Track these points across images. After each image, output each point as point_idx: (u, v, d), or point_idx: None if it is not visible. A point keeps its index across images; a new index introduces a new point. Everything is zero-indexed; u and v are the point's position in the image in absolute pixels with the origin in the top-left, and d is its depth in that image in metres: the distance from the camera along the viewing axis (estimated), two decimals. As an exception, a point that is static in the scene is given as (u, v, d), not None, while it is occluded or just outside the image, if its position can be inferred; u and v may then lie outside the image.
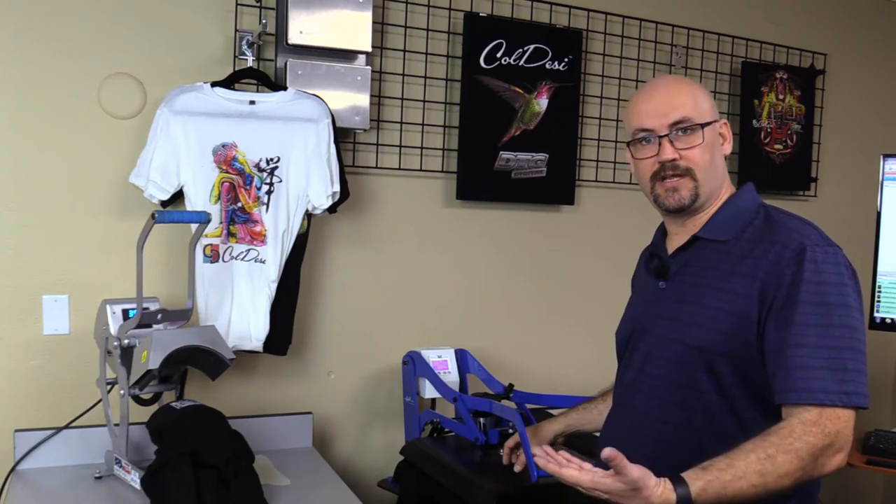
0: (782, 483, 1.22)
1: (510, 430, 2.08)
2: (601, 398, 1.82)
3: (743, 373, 1.35)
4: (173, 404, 1.85)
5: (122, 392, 1.84)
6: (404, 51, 2.43)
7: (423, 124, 2.48)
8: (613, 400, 1.59)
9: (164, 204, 2.07)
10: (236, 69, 2.17)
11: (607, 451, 1.20)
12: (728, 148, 1.48)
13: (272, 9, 2.22)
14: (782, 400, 1.29)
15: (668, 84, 1.50)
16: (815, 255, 1.31)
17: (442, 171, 2.52)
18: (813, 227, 1.39)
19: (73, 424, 2.02)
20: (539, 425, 1.89)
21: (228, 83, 2.12)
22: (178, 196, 2.08)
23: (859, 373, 1.29)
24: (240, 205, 2.11)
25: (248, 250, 2.12)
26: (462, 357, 2.35)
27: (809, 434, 1.24)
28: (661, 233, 1.58)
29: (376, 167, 2.42)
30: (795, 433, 1.24)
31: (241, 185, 2.10)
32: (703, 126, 1.43)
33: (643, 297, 1.57)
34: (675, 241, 1.51)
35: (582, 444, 2.18)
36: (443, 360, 2.32)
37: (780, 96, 3.05)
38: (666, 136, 1.43)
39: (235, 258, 2.11)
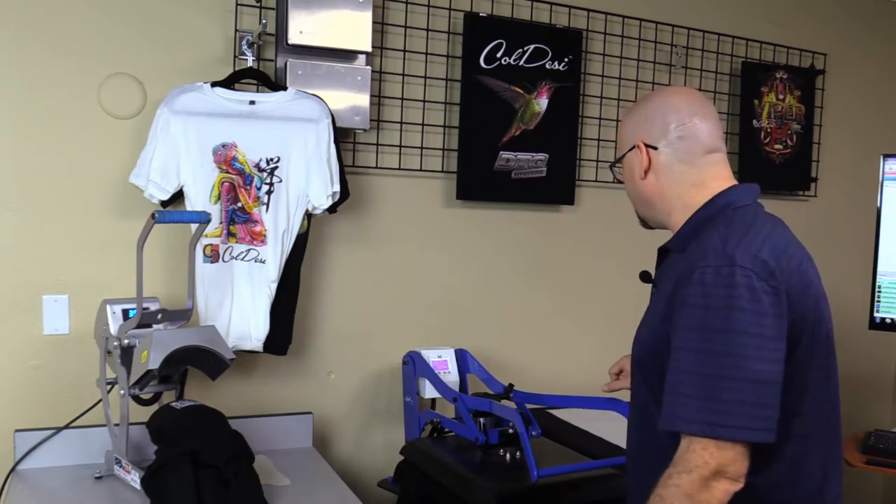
0: None
1: (510, 431, 2.09)
2: None
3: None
4: (173, 404, 1.85)
5: (122, 392, 1.84)
6: (404, 51, 2.43)
7: (423, 124, 2.48)
8: None
9: (164, 204, 2.07)
10: (236, 69, 2.17)
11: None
12: (640, 173, 1.43)
13: (272, 9, 2.22)
14: (660, 426, 1.24)
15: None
16: (703, 276, 1.22)
17: (442, 171, 2.52)
18: (725, 241, 1.26)
19: (73, 424, 2.02)
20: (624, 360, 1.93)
21: (228, 83, 2.12)
22: (178, 196, 2.08)
23: (739, 404, 1.16)
24: (240, 205, 2.11)
25: (248, 250, 2.12)
26: (462, 357, 2.36)
27: (674, 476, 1.20)
28: None
29: (376, 167, 2.42)
30: (662, 483, 1.21)
31: (241, 185, 2.10)
32: (613, 164, 1.53)
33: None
34: None
35: (580, 443, 2.19)
36: (443, 360, 2.32)
37: (780, 96, 3.06)
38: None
39: (235, 258, 2.11)
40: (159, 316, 1.89)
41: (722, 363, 1.18)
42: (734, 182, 1.41)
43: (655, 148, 1.41)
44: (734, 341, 1.18)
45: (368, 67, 2.27)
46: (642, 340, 1.39)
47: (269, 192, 2.13)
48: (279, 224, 2.13)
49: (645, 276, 1.54)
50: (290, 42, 2.13)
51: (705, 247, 1.28)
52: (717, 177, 1.40)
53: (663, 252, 1.46)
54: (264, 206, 2.12)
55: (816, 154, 3.19)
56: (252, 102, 2.11)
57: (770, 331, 1.20)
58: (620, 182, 1.54)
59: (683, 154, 1.40)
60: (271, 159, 2.13)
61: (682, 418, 1.20)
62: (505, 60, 2.52)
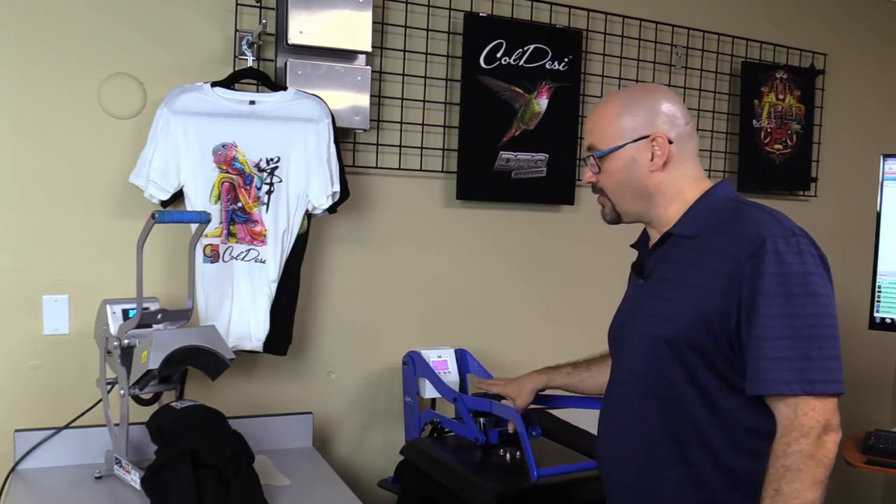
0: (808, 496, 1.25)
1: (510, 430, 2.08)
2: (586, 366, 1.90)
3: (712, 364, 1.36)
4: (173, 404, 1.85)
5: (122, 392, 1.84)
6: (404, 51, 2.43)
7: (423, 124, 2.48)
8: (605, 397, 1.62)
9: (164, 204, 2.07)
10: (236, 69, 2.17)
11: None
12: (657, 163, 1.46)
13: (272, 9, 2.22)
14: (751, 391, 1.31)
15: (596, 106, 1.55)
16: (776, 245, 1.31)
17: (442, 171, 2.52)
18: (777, 217, 1.38)
19: (73, 424, 2.02)
20: (520, 380, 1.98)
21: (228, 83, 2.12)
22: (178, 196, 2.08)
23: (827, 359, 1.28)
24: (240, 205, 2.11)
25: (248, 250, 2.12)
26: (462, 357, 2.35)
27: (793, 444, 1.27)
28: (645, 231, 1.61)
29: (376, 167, 2.42)
30: (782, 454, 1.27)
31: (241, 185, 2.10)
32: (600, 155, 1.49)
33: (626, 295, 1.62)
34: (653, 239, 1.55)
35: (580, 443, 2.18)
36: (443, 360, 2.32)
37: (780, 96, 3.06)
38: (584, 159, 1.55)
39: (235, 258, 2.11)
40: (159, 316, 1.88)
41: (810, 323, 1.28)
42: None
43: (671, 142, 1.46)
44: (816, 302, 1.29)
45: (368, 67, 2.27)
46: (677, 319, 1.39)
47: (269, 192, 2.12)
48: (279, 224, 2.13)
49: (638, 268, 1.55)
50: (290, 42, 2.13)
51: (759, 223, 1.35)
52: (704, 174, 1.54)
53: (665, 237, 1.48)
54: (264, 206, 2.12)
55: (816, 154, 3.19)
56: (252, 102, 2.11)
57: (830, 291, 1.34)
58: (594, 172, 1.51)
59: (691, 150, 1.50)
60: (271, 159, 2.12)
61: (781, 381, 1.27)
62: (505, 60, 2.52)
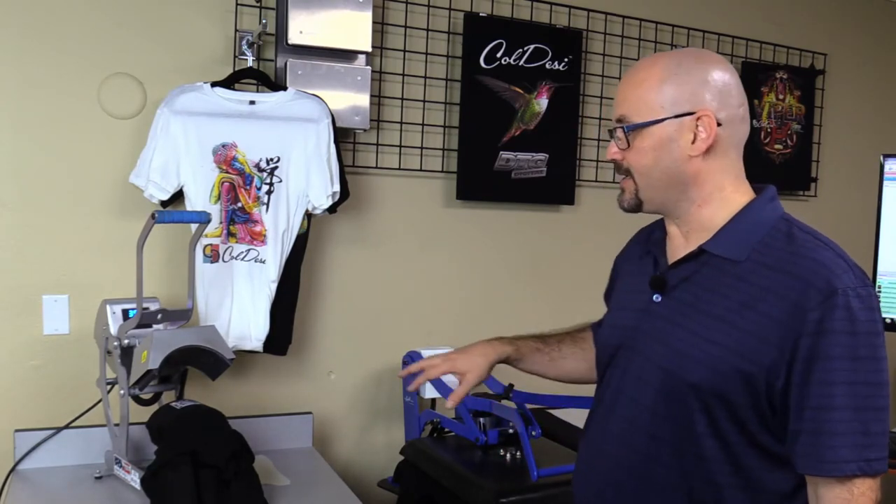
0: None
1: (510, 430, 2.09)
2: (557, 345, 1.60)
3: (739, 419, 1.18)
4: (173, 404, 1.85)
5: (122, 392, 1.84)
6: (404, 51, 2.43)
7: (423, 124, 2.48)
8: (590, 415, 1.41)
9: (164, 204, 2.07)
10: (236, 69, 2.17)
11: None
12: (699, 147, 1.21)
13: (272, 9, 2.22)
14: (804, 470, 1.14)
15: (633, 68, 1.28)
16: (847, 300, 1.11)
17: (442, 171, 2.52)
18: (844, 259, 1.17)
19: (73, 424, 2.02)
20: (473, 350, 1.56)
21: (228, 83, 2.12)
22: (178, 196, 2.08)
23: (882, 434, 1.11)
24: (240, 205, 2.11)
25: (248, 250, 2.12)
26: (462, 357, 2.35)
27: None
28: (662, 229, 1.36)
29: (376, 167, 2.42)
30: None
31: (241, 185, 2.10)
32: (632, 128, 1.24)
33: (634, 303, 1.35)
34: (675, 246, 1.31)
35: (566, 437, 2.18)
36: (443, 360, 2.31)
37: (780, 96, 3.06)
38: (611, 131, 1.29)
39: (235, 258, 2.11)
40: (159, 316, 1.88)
41: (872, 393, 1.11)
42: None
43: (720, 125, 1.21)
44: (879, 368, 1.12)
45: (368, 67, 2.27)
46: (712, 364, 1.18)
47: (269, 192, 2.12)
48: (279, 224, 2.13)
49: (657, 282, 1.29)
50: (290, 42, 2.13)
51: (826, 265, 1.15)
52: (744, 173, 1.28)
53: (698, 253, 1.24)
54: (264, 206, 2.12)
55: (816, 154, 3.20)
56: (252, 102, 2.11)
57: (886, 355, 1.15)
58: (621, 148, 1.27)
59: (739, 139, 1.25)
60: (271, 159, 2.12)
61: (843, 459, 1.10)
62: (505, 60, 2.52)
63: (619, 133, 1.26)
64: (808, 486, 1.17)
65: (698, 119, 1.20)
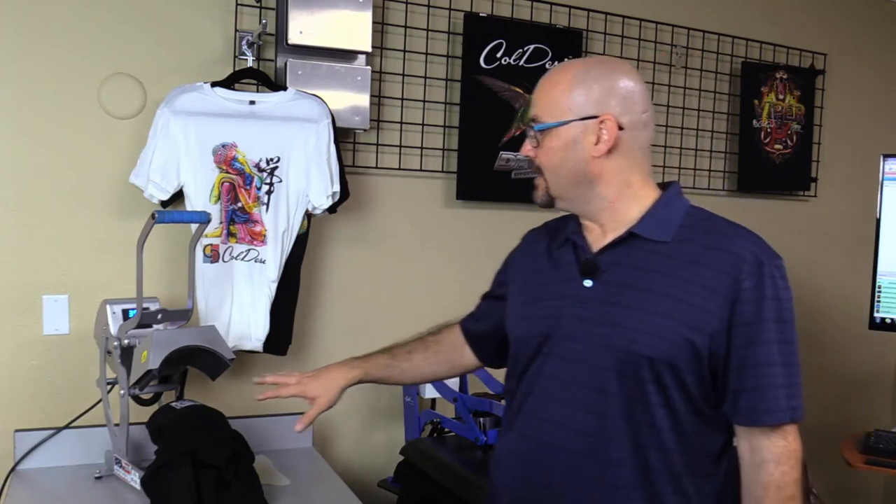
0: None
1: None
2: (406, 355, 1.66)
3: (684, 385, 1.28)
4: (173, 404, 1.85)
5: (122, 392, 1.84)
6: (404, 51, 2.43)
7: (423, 124, 2.48)
8: (518, 409, 1.41)
9: (164, 204, 2.07)
10: (236, 69, 2.17)
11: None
12: (601, 148, 1.30)
13: (272, 9, 2.22)
14: (748, 423, 1.28)
15: (549, 73, 1.38)
16: (772, 270, 1.27)
17: (442, 171, 2.52)
18: (759, 237, 1.33)
19: (73, 424, 2.02)
20: (324, 376, 1.64)
21: (228, 83, 2.12)
22: (178, 196, 2.08)
23: (800, 386, 1.29)
24: (240, 205, 2.11)
25: (248, 250, 2.12)
26: (462, 357, 2.35)
27: (790, 472, 1.27)
28: (576, 221, 1.42)
29: (376, 167, 2.42)
30: (783, 484, 1.26)
31: (241, 185, 2.10)
32: (541, 128, 1.33)
33: (556, 294, 1.38)
34: (595, 237, 1.38)
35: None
36: (443, 360, 2.31)
37: (780, 96, 3.06)
38: (525, 130, 1.38)
39: (235, 258, 2.11)
40: (159, 316, 1.88)
41: (794, 351, 1.28)
42: None
43: (622, 128, 1.31)
44: (794, 330, 1.29)
45: (368, 67, 2.27)
46: (662, 335, 1.26)
47: (269, 192, 2.12)
48: (279, 224, 2.13)
49: (588, 268, 1.35)
50: (290, 42, 2.13)
51: (749, 240, 1.30)
52: (652, 171, 1.40)
53: (627, 237, 1.33)
54: (264, 206, 2.12)
55: (816, 154, 3.19)
56: (252, 102, 2.11)
57: None
58: (532, 146, 1.36)
59: (644, 142, 1.36)
60: (271, 159, 2.12)
61: (782, 409, 1.26)
62: (505, 60, 2.52)
63: (531, 132, 1.36)
64: (741, 441, 1.30)
65: (601, 122, 1.30)
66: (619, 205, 1.35)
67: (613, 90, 1.31)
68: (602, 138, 1.30)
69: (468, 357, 1.67)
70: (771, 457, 1.26)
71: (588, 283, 1.34)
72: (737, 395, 1.27)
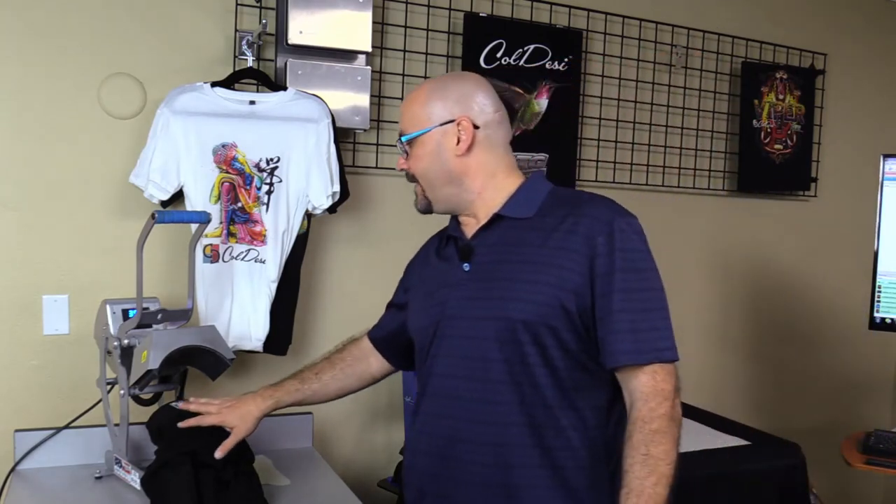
0: (673, 456, 1.32)
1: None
2: (314, 376, 1.76)
3: (563, 343, 1.39)
4: (173, 404, 1.84)
5: (122, 392, 1.84)
6: (404, 51, 2.43)
7: (423, 124, 2.48)
8: (423, 392, 1.52)
9: (164, 204, 2.07)
10: (236, 69, 2.17)
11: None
12: (461, 147, 1.46)
13: (272, 9, 2.22)
14: (613, 363, 1.37)
15: (409, 93, 1.55)
16: (621, 224, 1.39)
17: (442, 171, 2.52)
18: (611, 199, 1.47)
19: (73, 424, 2.02)
20: (241, 406, 1.70)
21: (228, 83, 2.12)
22: (178, 196, 2.08)
23: (668, 329, 1.38)
24: (240, 205, 2.11)
25: (248, 250, 2.12)
26: (462, 357, 2.35)
27: (657, 408, 1.34)
28: (455, 219, 1.57)
29: (376, 167, 2.42)
30: (649, 419, 1.33)
31: (241, 185, 2.11)
32: (407, 139, 1.49)
33: (443, 283, 1.51)
34: (471, 227, 1.51)
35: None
36: (443, 360, 2.31)
37: (780, 96, 3.06)
38: (397, 145, 1.53)
39: (235, 258, 2.11)
40: (159, 316, 1.88)
41: (654, 297, 1.39)
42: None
43: (477, 127, 1.47)
44: (656, 276, 1.40)
45: (368, 67, 2.27)
46: (532, 298, 1.38)
47: (269, 192, 2.13)
48: (279, 224, 2.13)
49: (464, 253, 1.49)
50: (290, 42, 2.13)
51: (605, 204, 1.44)
52: (516, 165, 1.56)
53: (493, 220, 1.47)
54: (264, 206, 2.12)
55: (816, 154, 3.19)
56: (252, 102, 2.11)
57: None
58: (404, 158, 1.51)
59: (501, 138, 1.52)
60: (271, 159, 2.13)
61: (643, 350, 1.35)
62: (505, 60, 2.52)
63: (400, 146, 1.52)
64: (622, 388, 1.40)
65: (458, 124, 1.46)
66: (486, 194, 1.49)
67: (465, 95, 1.48)
68: (461, 138, 1.46)
69: (375, 366, 1.80)
70: (640, 395, 1.35)
71: (466, 266, 1.48)
72: (602, 341, 1.38)
